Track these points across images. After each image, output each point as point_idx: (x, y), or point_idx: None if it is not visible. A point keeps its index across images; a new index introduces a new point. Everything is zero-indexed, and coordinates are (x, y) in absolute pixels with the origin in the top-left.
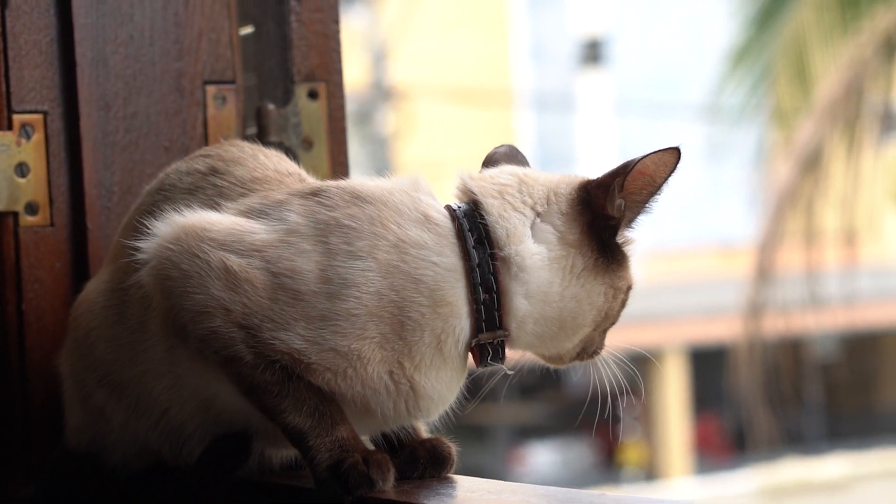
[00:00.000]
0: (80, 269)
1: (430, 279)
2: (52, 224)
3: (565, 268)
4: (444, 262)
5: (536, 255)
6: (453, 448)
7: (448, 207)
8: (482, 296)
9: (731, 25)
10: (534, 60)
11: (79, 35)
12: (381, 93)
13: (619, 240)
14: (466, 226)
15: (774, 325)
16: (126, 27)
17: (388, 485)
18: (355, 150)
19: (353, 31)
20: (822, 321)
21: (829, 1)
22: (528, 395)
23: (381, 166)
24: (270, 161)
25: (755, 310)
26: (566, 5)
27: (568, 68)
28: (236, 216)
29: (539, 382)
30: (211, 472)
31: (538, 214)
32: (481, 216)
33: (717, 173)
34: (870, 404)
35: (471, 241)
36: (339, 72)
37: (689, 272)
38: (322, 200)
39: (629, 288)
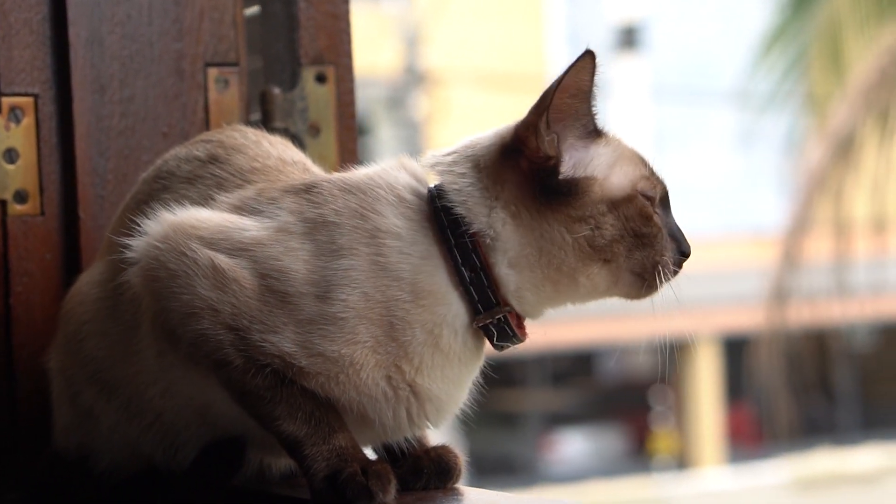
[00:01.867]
0: (71, 261)
1: (407, 272)
2: (42, 213)
3: (521, 224)
4: (418, 251)
5: (500, 220)
6: (460, 458)
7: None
8: (468, 275)
9: (766, 10)
10: (569, 46)
11: (72, 13)
12: (414, 78)
13: (569, 170)
14: (439, 206)
15: (800, 314)
16: (123, 5)
17: (388, 497)
18: (387, 136)
19: (387, 16)
20: (851, 311)
21: None
22: (560, 382)
23: (414, 152)
24: (275, 149)
25: (780, 297)
26: None
27: (603, 54)
28: (228, 212)
29: (570, 369)
30: (203, 480)
31: (479, 179)
32: (447, 195)
33: (752, 161)
34: None
35: (444, 222)
36: (348, 54)
37: (722, 260)
38: (312, 197)
39: (615, 200)
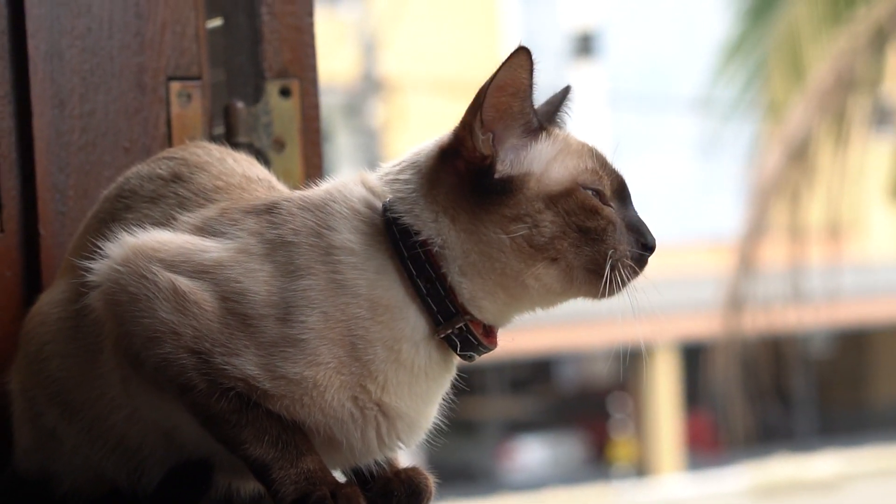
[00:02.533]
0: (31, 279)
1: (364, 288)
2: (1, 230)
3: (461, 229)
4: (373, 265)
5: (445, 227)
6: (430, 479)
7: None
8: (423, 287)
9: (724, 18)
10: None
11: (31, 26)
12: (371, 85)
13: (505, 169)
14: (389, 217)
15: (756, 320)
16: (83, 18)
17: None
18: (345, 143)
19: (343, 22)
20: (807, 317)
21: None
22: (519, 390)
23: (371, 159)
24: (239, 166)
25: (736, 304)
26: None
27: (559, 61)
28: (190, 234)
29: (530, 377)
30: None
31: (422, 185)
32: (394, 204)
33: (711, 168)
34: (861, 401)
35: (395, 233)
36: (313, 68)
37: (681, 268)
38: (272, 217)
39: (552, 195)
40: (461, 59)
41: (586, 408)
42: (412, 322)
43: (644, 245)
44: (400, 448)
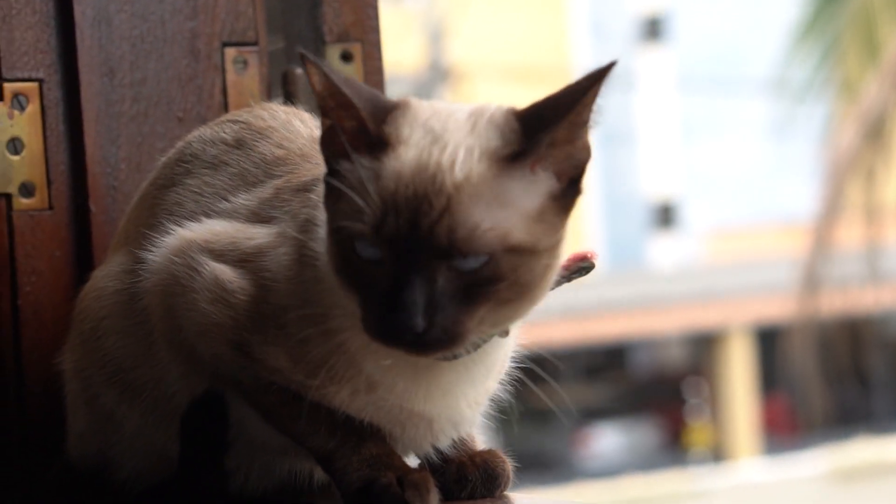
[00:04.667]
0: (82, 258)
1: None
2: (50, 207)
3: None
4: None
5: None
6: (508, 463)
7: None
8: None
9: (792, 2)
10: (593, 38)
11: None
12: (439, 73)
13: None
14: None
15: (833, 302)
16: None
17: None
18: None
19: (410, 11)
20: (884, 298)
21: None
22: (593, 377)
23: None
24: (306, 127)
25: (812, 285)
26: None
27: (628, 45)
28: (245, 220)
29: (604, 363)
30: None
31: None
32: None
33: (783, 151)
34: None
35: None
36: (376, 30)
37: (756, 250)
38: (310, 195)
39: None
40: (529, 46)
41: (661, 394)
42: None
43: None
44: (446, 443)
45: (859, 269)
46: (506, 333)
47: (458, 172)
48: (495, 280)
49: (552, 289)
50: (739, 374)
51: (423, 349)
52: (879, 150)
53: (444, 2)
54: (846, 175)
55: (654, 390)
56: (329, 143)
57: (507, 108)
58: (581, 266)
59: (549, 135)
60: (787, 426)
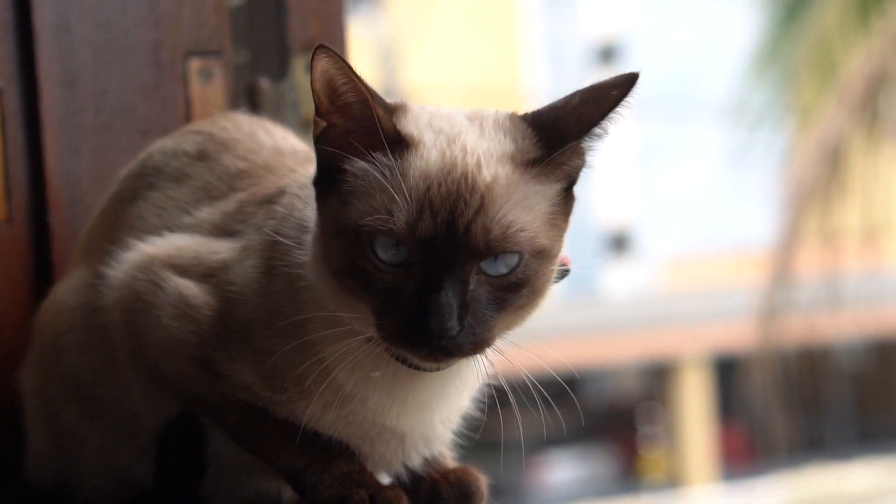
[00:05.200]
0: (42, 273)
1: None
2: (8, 220)
3: None
4: None
5: None
6: (482, 480)
7: None
8: None
9: (751, 24)
10: (548, 62)
11: None
12: (391, 95)
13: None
14: None
15: (791, 330)
16: None
17: None
18: None
19: (364, 34)
20: (844, 326)
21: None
22: (548, 405)
23: None
24: (270, 138)
25: (770, 313)
26: (580, 6)
27: (583, 70)
28: (209, 234)
29: (559, 391)
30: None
31: None
32: None
33: (742, 177)
34: None
35: None
36: (342, 41)
37: (712, 278)
38: (274, 207)
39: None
40: (483, 69)
41: (617, 422)
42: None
43: None
44: (411, 459)
45: (818, 296)
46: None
47: (486, 173)
48: (522, 285)
49: None
50: (696, 402)
51: (450, 354)
52: (837, 176)
53: (399, 24)
54: (804, 202)
55: (610, 418)
56: (331, 142)
57: (511, 113)
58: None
59: (574, 144)
60: (745, 455)
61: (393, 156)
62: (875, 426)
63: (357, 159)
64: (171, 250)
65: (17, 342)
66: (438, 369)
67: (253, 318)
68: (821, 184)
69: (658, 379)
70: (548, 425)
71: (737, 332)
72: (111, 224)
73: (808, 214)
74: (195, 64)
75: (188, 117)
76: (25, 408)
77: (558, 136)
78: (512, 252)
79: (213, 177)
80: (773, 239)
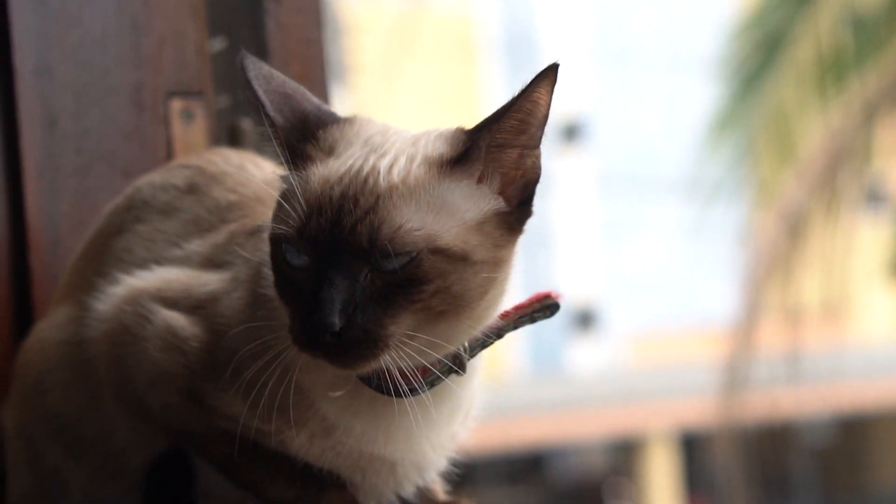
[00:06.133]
0: (22, 316)
1: None
2: None
3: None
4: None
5: None
6: None
7: None
8: None
9: (707, 99)
10: None
11: (18, 38)
12: None
13: None
14: None
15: (753, 406)
16: (75, 30)
17: None
18: None
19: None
20: (807, 401)
21: (810, 73)
22: (513, 482)
23: None
24: (261, 171)
25: (732, 389)
26: None
27: (545, 146)
28: (199, 267)
29: (524, 468)
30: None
31: None
32: None
33: (704, 252)
34: (863, 486)
35: None
36: (324, 83)
37: (677, 354)
38: (265, 237)
39: None
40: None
41: (584, 498)
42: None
43: None
44: (410, 490)
45: (780, 372)
46: (462, 369)
47: (395, 175)
48: (419, 282)
49: (514, 328)
50: (663, 477)
51: (343, 352)
52: (798, 249)
53: (362, 99)
54: (765, 277)
55: (578, 494)
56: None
57: (458, 126)
58: (545, 305)
59: (489, 136)
60: None
61: (304, 166)
62: (841, 502)
63: (287, 172)
64: (159, 283)
65: None
66: (411, 393)
67: (240, 349)
68: (781, 259)
69: (624, 454)
70: (515, 502)
71: (701, 408)
72: (98, 258)
73: (768, 289)
74: (177, 105)
75: (169, 158)
76: (6, 449)
77: (478, 132)
78: (402, 252)
79: (202, 209)
80: (735, 314)
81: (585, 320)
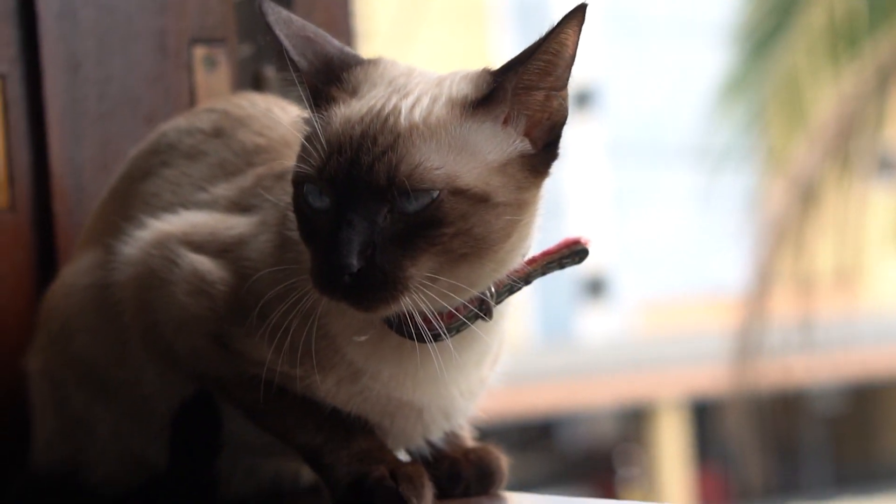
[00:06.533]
0: (46, 261)
1: None
2: (12, 208)
3: None
4: None
5: None
6: (503, 459)
7: None
8: None
9: (718, 64)
10: None
11: None
12: None
13: None
14: None
15: (766, 373)
16: None
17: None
18: None
19: None
20: (819, 369)
21: (822, 39)
22: (524, 449)
23: None
24: (287, 115)
25: (744, 357)
26: None
27: None
28: (225, 210)
29: (534, 436)
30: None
31: None
32: None
33: (715, 219)
34: (874, 453)
35: None
36: (348, 30)
37: (688, 322)
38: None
39: None
40: None
41: (593, 467)
42: None
43: None
44: (438, 435)
45: (792, 339)
46: (489, 315)
47: (417, 115)
48: (439, 223)
49: (542, 274)
50: (673, 445)
51: (362, 294)
52: (810, 217)
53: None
54: (777, 244)
55: (588, 462)
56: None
57: (485, 67)
58: (574, 251)
59: (516, 77)
60: (722, 497)
61: (327, 108)
62: (851, 469)
63: (310, 113)
64: (186, 227)
65: (21, 330)
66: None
67: (268, 293)
68: (793, 226)
69: (635, 422)
70: (525, 470)
71: (712, 376)
72: (123, 203)
73: (781, 257)
74: (200, 52)
75: (192, 105)
76: (32, 394)
77: (505, 73)
78: (421, 189)
79: (229, 153)
80: (746, 282)
81: (596, 288)
